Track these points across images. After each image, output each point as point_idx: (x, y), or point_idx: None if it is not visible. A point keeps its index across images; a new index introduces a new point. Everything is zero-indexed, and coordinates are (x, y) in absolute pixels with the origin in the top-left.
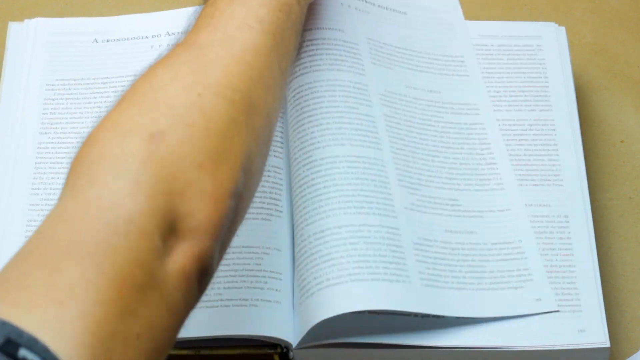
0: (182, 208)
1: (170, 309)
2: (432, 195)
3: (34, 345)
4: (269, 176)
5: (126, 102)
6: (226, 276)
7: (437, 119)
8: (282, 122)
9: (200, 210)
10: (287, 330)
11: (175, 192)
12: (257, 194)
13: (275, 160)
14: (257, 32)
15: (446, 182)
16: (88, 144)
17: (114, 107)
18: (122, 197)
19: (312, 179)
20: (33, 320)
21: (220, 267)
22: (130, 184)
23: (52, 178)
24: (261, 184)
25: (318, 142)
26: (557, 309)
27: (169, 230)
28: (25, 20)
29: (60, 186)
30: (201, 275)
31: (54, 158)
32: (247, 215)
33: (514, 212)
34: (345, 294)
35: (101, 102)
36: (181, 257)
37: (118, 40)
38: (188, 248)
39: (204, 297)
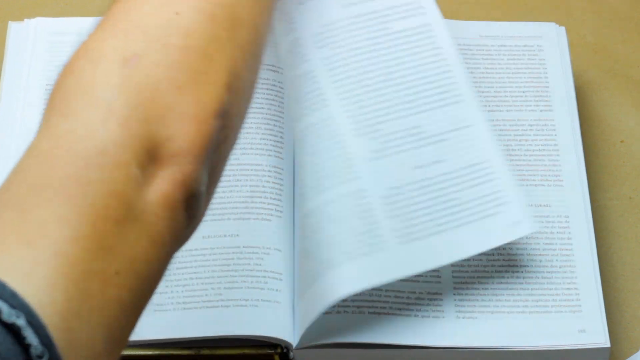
0: (161, 133)
1: (154, 240)
2: (393, 129)
3: (2, 291)
4: (269, 176)
5: (100, 27)
6: (226, 276)
7: (384, 31)
8: (282, 123)
9: (181, 134)
10: (287, 330)
11: (153, 118)
12: (257, 194)
13: (275, 161)
14: None
15: (406, 106)
16: (62, 75)
17: (89, 34)
18: (95, 128)
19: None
20: (1, 264)
21: (221, 267)
22: (103, 113)
23: None
24: (261, 184)
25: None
26: (533, 230)
27: (149, 157)
28: (25, 20)
29: None
30: (188, 202)
31: None
32: (247, 215)
33: (477, 127)
34: (324, 288)
35: None
36: (163, 184)
37: None
38: (170, 174)
39: (204, 297)
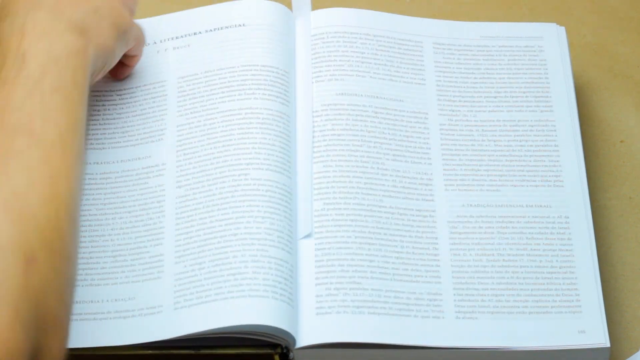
0: (44, 343)
1: None
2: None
3: None
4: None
5: None
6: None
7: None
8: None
9: (56, 346)
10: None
11: (41, 329)
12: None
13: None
14: (80, 138)
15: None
16: None
17: None
18: (4, 330)
19: None
20: None
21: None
22: (11, 315)
23: None
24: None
25: None
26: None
27: None
28: None
29: None
30: None
31: None
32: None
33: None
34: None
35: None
36: None
37: None
38: None
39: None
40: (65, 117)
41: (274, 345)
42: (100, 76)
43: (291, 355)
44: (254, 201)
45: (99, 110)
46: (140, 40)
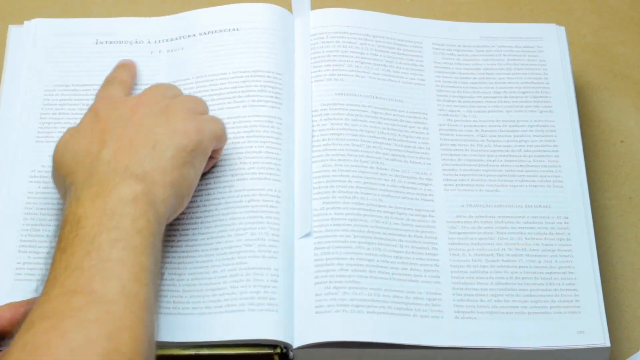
0: None
1: None
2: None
3: None
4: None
5: None
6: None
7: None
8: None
9: None
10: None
11: None
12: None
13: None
14: (146, 286)
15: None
16: None
17: None
18: None
19: None
20: None
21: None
22: None
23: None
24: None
25: None
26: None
27: None
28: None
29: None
30: None
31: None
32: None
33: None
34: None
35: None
36: None
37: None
38: None
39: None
40: (127, 268)
41: (274, 345)
42: (186, 202)
43: (291, 354)
44: (236, 213)
45: (88, 106)
46: (219, 137)
